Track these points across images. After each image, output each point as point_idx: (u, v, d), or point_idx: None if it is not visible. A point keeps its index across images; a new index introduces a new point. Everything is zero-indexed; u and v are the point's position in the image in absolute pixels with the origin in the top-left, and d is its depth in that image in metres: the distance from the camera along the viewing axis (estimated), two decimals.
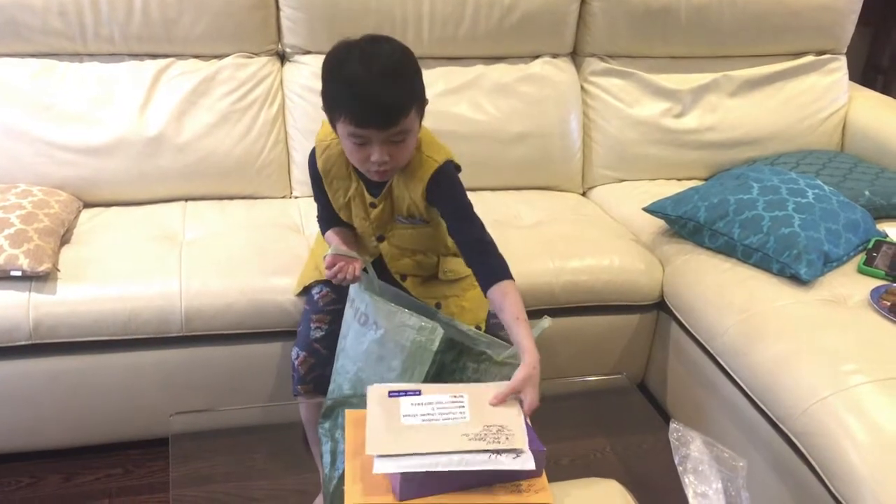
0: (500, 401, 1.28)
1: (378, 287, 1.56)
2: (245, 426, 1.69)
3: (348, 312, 1.56)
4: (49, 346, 1.74)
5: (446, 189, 1.53)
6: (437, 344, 1.39)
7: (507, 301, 1.40)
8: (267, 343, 1.84)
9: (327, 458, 1.51)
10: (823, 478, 1.48)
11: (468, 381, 1.46)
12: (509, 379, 1.32)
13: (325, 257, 1.56)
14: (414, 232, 1.62)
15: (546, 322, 1.43)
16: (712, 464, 1.13)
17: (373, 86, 1.36)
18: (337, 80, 1.41)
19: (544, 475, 1.26)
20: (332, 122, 1.45)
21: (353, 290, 1.55)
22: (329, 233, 1.65)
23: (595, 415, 1.82)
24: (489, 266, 1.46)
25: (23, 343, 1.72)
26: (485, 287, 1.46)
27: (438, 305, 1.66)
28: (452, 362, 1.45)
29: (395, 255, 1.65)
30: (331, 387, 1.59)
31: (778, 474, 1.65)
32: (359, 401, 1.51)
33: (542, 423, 1.37)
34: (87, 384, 1.80)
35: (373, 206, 1.58)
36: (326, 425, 1.53)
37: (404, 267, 1.66)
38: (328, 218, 1.66)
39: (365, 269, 1.56)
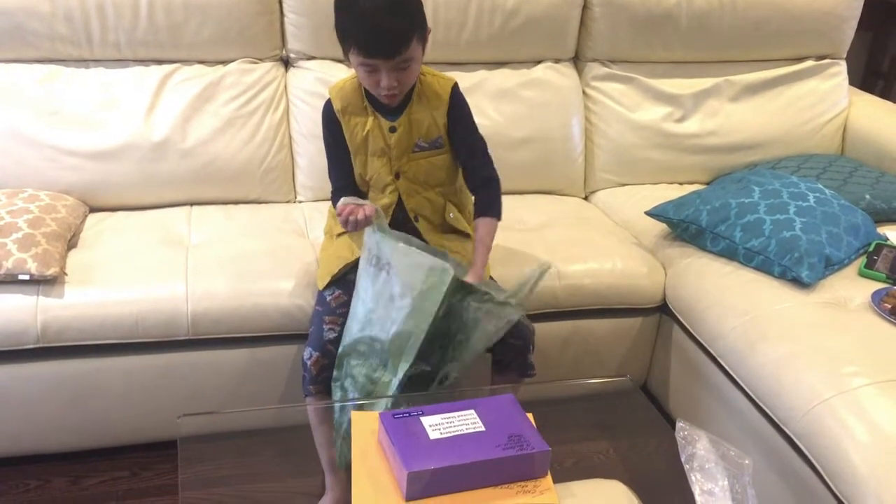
0: None
1: (390, 232, 1.61)
2: (252, 429, 1.70)
3: (361, 260, 1.61)
4: (56, 350, 1.75)
5: (465, 109, 1.73)
6: (447, 285, 1.47)
7: (481, 230, 1.69)
8: (273, 346, 1.85)
9: (337, 406, 1.60)
10: (826, 479, 1.49)
11: (471, 319, 1.53)
12: (509, 319, 1.52)
13: (336, 206, 1.62)
14: (429, 163, 1.73)
15: (544, 268, 1.59)
16: (718, 462, 1.14)
17: (377, 19, 1.50)
18: (346, 14, 1.55)
19: (549, 475, 1.27)
20: (345, 53, 1.58)
21: (367, 233, 1.59)
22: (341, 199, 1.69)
23: (598, 417, 1.83)
24: (486, 201, 1.73)
25: (31, 346, 1.73)
26: (475, 215, 1.72)
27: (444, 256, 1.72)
28: (458, 301, 1.51)
29: (410, 192, 1.73)
30: (343, 334, 1.63)
31: (780, 475, 1.66)
32: (366, 347, 1.54)
33: (547, 425, 1.38)
34: (95, 387, 1.81)
35: (392, 130, 1.68)
36: (336, 374, 1.61)
37: (418, 204, 1.75)
38: (344, 185, 1.73)
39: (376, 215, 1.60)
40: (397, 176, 1.73)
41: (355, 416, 1.39)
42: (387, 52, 1.53)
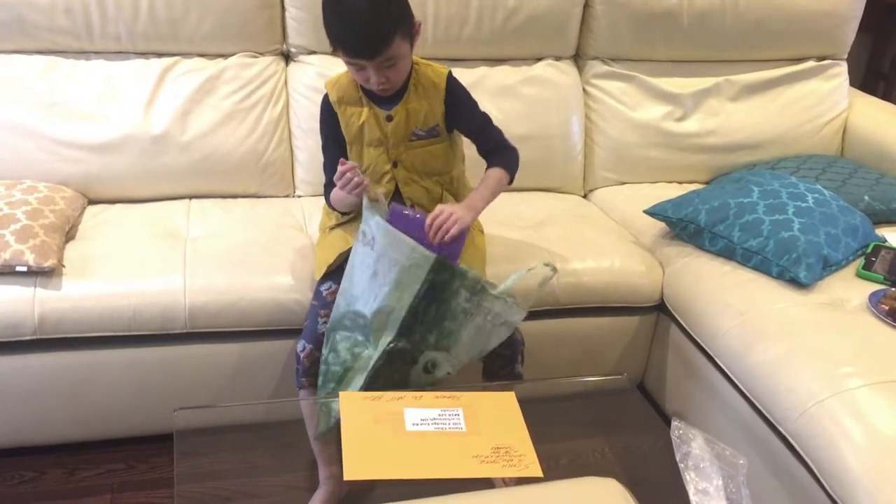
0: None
1: (384, 211, 1.63)
2: (248, 423, 1.70)
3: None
4: (53, 342, 1.75)
5: (463, 93, 1.76)
6: (430, 264, 1.51)
7: (489, 176, 1.73)
8: (270, 340, 1.85)
9: (321, 380, 1.64)
10: (821, 479, 1.49)
11: (459, 307, 1.55)
12: (502, 316, 1.56)
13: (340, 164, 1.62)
14: (426, 151, 1.75)
15: (550, 269, 1.63)
16: (713, 461, 1.15)
17: (357, 21, 1.53)
18: (330, 16, 1.57)
19: None
20: (334, 50, 1.60)
21: (364, 210, 1.61)
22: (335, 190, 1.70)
23: (595, 415, 1.83)
24: (499, 160, 1.75)
25: (27, 338, 1.73)
26: (488, 167, 1.76)
27: None
28: (445, 284, 1.53)
29: (407, 181, 1.76)
30: (332, 311, 1.65)
31: (775, 475, 1.66)
32: (351, 322, 1.59)
33: (543, 422, 1.38)
34: (91, 380, 1.81)
35: (389, 119, 1.70)
36: (324, 350, 1.64)
37: (415, 193, 1.77)
38: None
39: (376, 199, 1.64)
40: (395, 164, 1.75)
41: (343, 396, 1.42)
42: (368, 53, 1.55)
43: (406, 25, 1.58)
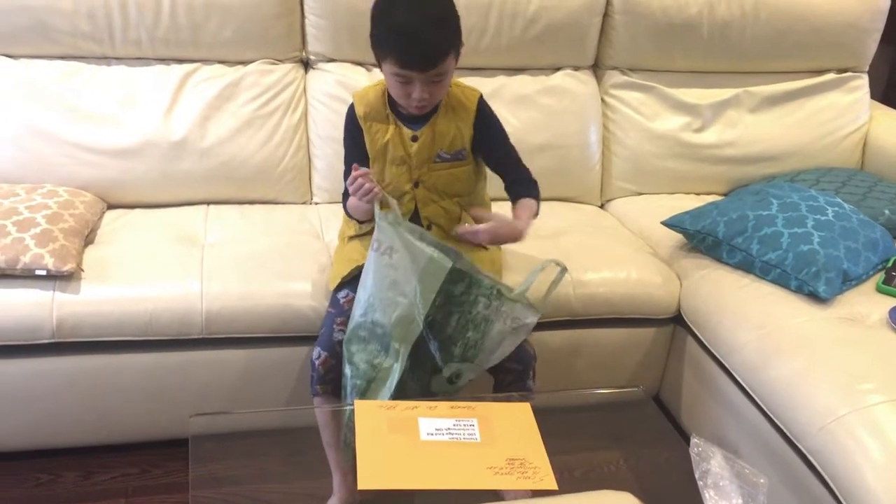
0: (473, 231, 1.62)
1: (401, 221, 1.63)
2: (262, 429, 1.70)
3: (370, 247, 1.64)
4: (71, 345, 1.76)
5: (493, 120, 1.75)
6: (445, 273, 1.51)
7: (524, 203, 1.71)
8: (286, 347, 1.85)
9: (345, 394, 1.65)
10: (839, 496, 1.48)
11: (479, 315, 1.56)
12: (520, 319, 1.56)
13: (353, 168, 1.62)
14: (450, 174, 1.74)
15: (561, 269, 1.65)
16: (733, 479, 1.14)
17: (417, 33, 1.52)
18: (385, 25, 1.56)
19: None
20: (379, 62, 1.60)
21: (377, 218, 1.61)
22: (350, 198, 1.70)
23: (610, 427, 1.82)
24: (523, 192, 1.75)
25: (45, 341, 1.74)
26: (513, 201, 1.75)
27: None
28: (462, 294, 1.54)
29: (426, 200, 1.75)
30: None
31: (793, 492, 1.64)
32: (367, 333, 1.59)
33: (557, 434, 1.38)
34: (108, 384, 1.82)
35: (414, 139, 1.69)
36: (343, 365, 1.64)
37: (434, 213, 1.76)
38: None
39: (389, 205, 1.64)
40: (416, 184, 1.74)
41: (358, 405, 1.42)
42: (423, 66, 1.54)
43: (458, 44, 1.60)
